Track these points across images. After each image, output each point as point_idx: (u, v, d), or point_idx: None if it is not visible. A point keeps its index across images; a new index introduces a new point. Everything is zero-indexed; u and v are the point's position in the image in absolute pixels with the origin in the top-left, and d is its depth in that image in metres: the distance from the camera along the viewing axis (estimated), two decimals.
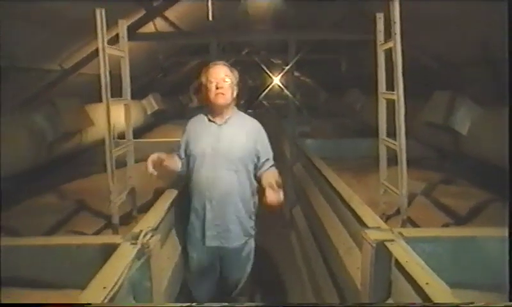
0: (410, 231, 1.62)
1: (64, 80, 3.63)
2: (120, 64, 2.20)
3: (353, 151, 3.84)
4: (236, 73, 2.07)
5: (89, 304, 1.17)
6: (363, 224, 1.72)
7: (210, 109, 2.05)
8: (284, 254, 3.57)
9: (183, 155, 2.13)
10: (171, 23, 4.51)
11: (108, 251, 1.54)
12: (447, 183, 2.89)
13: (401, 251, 1.45)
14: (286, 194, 4.33)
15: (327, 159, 3.25)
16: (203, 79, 2.02)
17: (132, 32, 3.66)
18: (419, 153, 3.58)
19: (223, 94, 1.96)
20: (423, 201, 2.46)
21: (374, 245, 1.50)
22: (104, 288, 1.20)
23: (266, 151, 2.09)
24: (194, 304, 1.84)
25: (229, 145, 2.00)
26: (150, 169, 1.91)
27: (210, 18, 3.34)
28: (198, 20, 5.11)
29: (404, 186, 1.84)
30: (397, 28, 1.73)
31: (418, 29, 3.23)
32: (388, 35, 1.84)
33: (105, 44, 1.77)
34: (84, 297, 1.21)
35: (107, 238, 1.66)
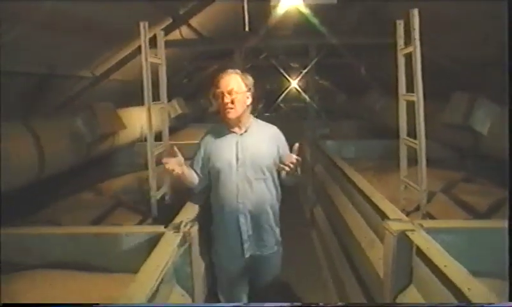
0: (429, 223, 1.75)
1: (95, 86, 3.89)
2: (145, 70, 2.34)
3: (373, 152, 3.95)
4: (249, 79, 2.00)
5: (97, 304, 1.18)
6: (385, 217, 1.85)
7: (226, 120, 1.98)
8: (305, 252, 3.70)
9: (200, 172, 2.07)
10: (195, 30, 4.74)
11: (152, 239, 1.73)
12: (466, 181, 2.98)
13: (422, 240, 1.58)
14: (307, 194, 4.49)
15: (347, 160, 3.38)
16: (215, 90, 1.96)
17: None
18: (440, 154, 3.67)
19: (231, 108, 1.91)
20: (442, 198, 2.56)
21: (396, 234, 1.64)
22: (157, 266, 1.38)
23: (287, 152, 2.04)
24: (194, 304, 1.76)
25: (254, 154, 1.96)
26: (167, 160, 1.86)
27: (247, 29, 3.50)
28: (219, 27, 5.34)
29: (423, 182, 1.97)
30: (416, 34, 1.87)
31: (438, 31, 3.34)
32: (408, 40, 1.97)
33: (148, 54, 1.96)
34: (139, 277, 1.39)
35: (153, 227, 1.84)
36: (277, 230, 2.09)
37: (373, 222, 2.16)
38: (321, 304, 2.42)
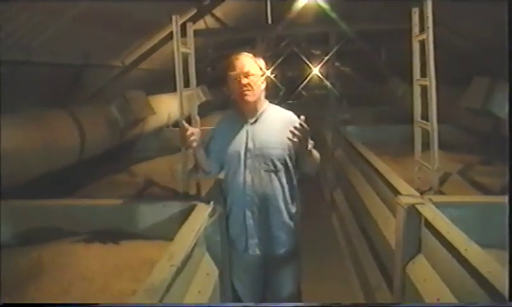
0: (438, 198, 1.91)
1: (125, 75, 4.16)
2: (177, 60, 2.54)
3: (392, 137, 4.06)
4: (262, 62, 1.92)
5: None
6: (398, 194, 2.02)
7: (238, 106, 1.92)
8: (325, 231, 3.88)
9: (214, 156, 1.99)
10: (218, 20, 4.94)
11: (185, 211, 1.97)
12: (484, 164, 3.08)
13: (429, 212, 1.74)
14: (327, 177, 4.66)
15: (367, 144, 3.52)
16: (228, 73, 1.87)
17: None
18: (459, 138, 3.76)
19: (248, 91, 1.82)
20: (457, 179, 2.69)
21: (406, 207, 1.81)
22: (192, 230, 1.61)
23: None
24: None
25: (264, 143, 1.85)
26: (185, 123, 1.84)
27: (270, 21, 3.66)
28: (242, 16, 5.52)
29: (435, 161, 2.11)
30: (429, 22, 1.99)
31: (460, 15, 3.40)
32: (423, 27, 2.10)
33: (180, 44, 2.16)
34: (175, 242, 1.62)
35: (186, 200, 2.07)
36: (293, 226, 1.95)
37: (389, 201, 2.32)
38: (327, 303, 2.31)
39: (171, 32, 2.97)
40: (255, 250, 1.91)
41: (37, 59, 2.66)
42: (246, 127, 1.89)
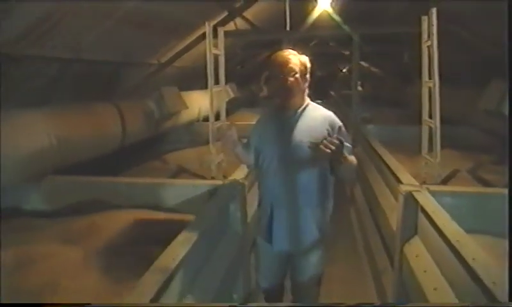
0: (435, 187, 2.16)
1: (160, 72, 4.58)
2: (209, 60, 2.88)
3: (411, 137, 4.25)
4: (306, 59, 1.88)
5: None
6: (401, 183, 2.28)
7: (279, 102, 1.92)
8: (343, 224, 4.14)
9: (252, 153, 2.02)
10: (248, 21, 5.28)
11: (212, 190, 2.32)
12: (495, 163, 3.26)
13: (424, 198, 2.00)
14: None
15: (385, 143, 3.75)
16: (270, 70, 1.88)
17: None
18: (475, 138, 3.93)
19: (290, 89, 1.81)
20: (464, 175, 2.90)
21: (404, 194, 2.07)
22: (216, 206, 1.95)
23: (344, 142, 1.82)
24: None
25: (301, 140, 1.82)
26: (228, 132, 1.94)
27: (288, 28, 3.96)
28: (270, 18, 5.84)
29: (438, 156, 2.36)
30: (434, 30, 2.24)
31: (480, 18, 3.56)
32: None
33: (212, 46, 2.51)
34: (201, 214, 1.96)
35: (214, 181, 2.41)
36: (324, 224, 1.93)
37: (394, 191, 2.58)
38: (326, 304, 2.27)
39: (203, 33, 3.32)
40: (280, 245, 1.90)
41: (86, 57, 3.10)
42: (286, 122, 1.88)
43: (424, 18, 2.47)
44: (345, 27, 4.07)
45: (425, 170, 2.58)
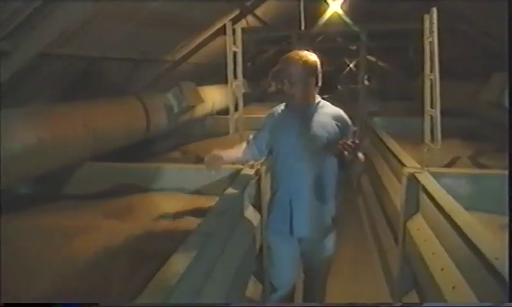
0: (435, 169, 2.41)
1: (175, 68, 4.86)
2: (229, 57, 3.15)
3: (417, 127, 4.48)
4: (317, 59, 2.00)
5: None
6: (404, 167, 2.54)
7: (292, 99, 2.02)
8: (350, 211, 4.41)
9: (262, 144, 2.15)
10: (258, 19, 5.55)
11: (233, 174, 2.60)
12: (496, 151, 3.50)
13: (425, 179, 2.26)
14: (355, 165, 5.16)
15: (392, 133, 3.99)
16: (280, 71, 1.98)
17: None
18: (479, 128, 4.17)
19: (300, 90, 1.94)
20: (465, 161, 3.15)
21: (407, 175, 2.34)
22: (238, 188, 2.23)
23: (349, 136, 1.99)
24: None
25: (314, 133, 1.95)
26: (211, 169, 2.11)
27: (303, 27, 4.21)
28: (279, 15, 6.10)
29: (438, 143, 2.61)
30: (434, 27, 2.50)
31: (483, 15, 3.78)
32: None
33: (232, 44, 2.78)
34: (225, 196, 2.23)
35: (234, 166, 2.69)
36: (334, 213, 2.08)
37: (398, 174, 2.84)
38: (327, 304, 2.33)
39: (216, 31, 3.56)
40: (299, 233, 2.02)
41: (110, 55, 3.38)
42: (298, 118, 1.99)
43: (426, 17, 2.72)
44: (355, 28, 4.31)
45: (428, 156, 2.84)
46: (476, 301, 1.55)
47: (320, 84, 2.01)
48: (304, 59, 1.94)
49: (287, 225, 2.02)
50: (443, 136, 2.91)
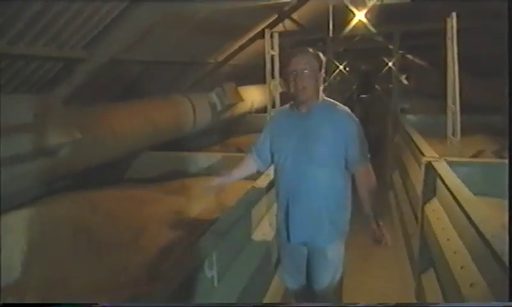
0: (451, 158, 2.70)
1: (217, 70, 5.35)
2: (268, 60, 3.57)
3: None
4: (321, 57, 1.92)
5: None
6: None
7: (293, 100, 1.98)
8: (381, 204, 4.69)
9: (264, 152, 2.10)
10: (295, 22, 5.93)
11: None
12: None
13: (441, 166, 2.57)
14: (387, 161, 5.42)
15: (422, 130, 4.23)
16: (283, 69, 1.95)
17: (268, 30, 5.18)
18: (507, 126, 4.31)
19: (303, 87, 1.85)
20: (488, 154, 3.38)
21: (425, 163, 2.65)
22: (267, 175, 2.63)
23: (355, 143, 1.91)
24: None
25: (315, 136, 1.89)
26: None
27: (331, 34, 4.56)
28: (314, 17, 6.44)
29: (458, 135, 2.89)
30: (454, 29, 2.80)
31: None
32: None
33: (270, 49, 3.20)
34: (259, 181, 2.63)
35: None
36: (342, 220, 2.00)
37: (420, 164, 3.13)
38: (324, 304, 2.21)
39: (255, 35, 3.96)
40: (296, 239, 1.98)
41: (163, 58, 3.90)
42: (299, 120, 1.93)
43: (448, 20, 3.01)
44: (379, 38, 4.59)
45: (452, 148, 3.11)
46: (481, 278, 1.73)
47: (322, 81, 1.95)
48: (299, 56, 1.88)
49: (285, 230, 2.00)
50: (472, 131, 3.18)
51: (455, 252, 2.05)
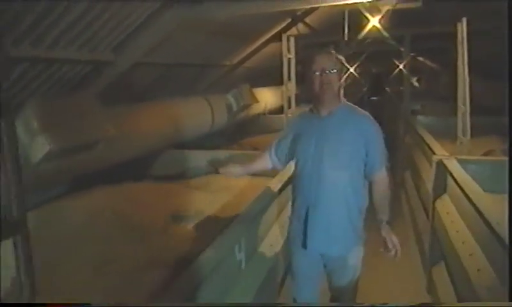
0: (461, 156, 2.84)
1: (232, 72, 5.54)
2: (285, 64, 3.77)
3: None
4: (340, 58, 1.95)
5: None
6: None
7: (314, 101, 1.93)
8: (392, 204, 4.82)
9: (283, 150, 2.10)
10: (308, 25, 6.10)
11: None
12: None
13: (451, 164, 2.71)
14: (399, 161, 5.55)
15: (433, 131, 4.35)
16: (307, 69, 1.86)
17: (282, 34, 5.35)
18: None
19: (329, 85, 1.81)
20: (497, 153, 3.51)
21: (436, 161, 2.79)
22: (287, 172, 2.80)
23: (376, 149, 1.90)
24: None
25: (335, 141, 1.86)
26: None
27: (346, 38, 4.72)
28: (328, 21, 6.60)
29: (468, 134, 3.03)
30: (464, 33, 2.94)
31: None
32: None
33: (288, 53, 3.37)
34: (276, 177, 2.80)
35: None
36: (358, 228, 1.95)
37: (431, 162, 3.27)
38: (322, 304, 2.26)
39: (269, 38, 4.14)
40: (315, 247, 1.93)
41: (182, 61, 4.09)
42: (319, 123, 1.90)
43: (459, 25, 3.15)
44: (392, 42, 4.74)
45: (462, 148, 3.25)
46: (487, 264, 1.88)
47: (341, 83, 1.95)
48: (319, 57, 1.85)
49: (301, 238, 1.94)
50: (483, 132, 3.32)
51: (463, 242, 2.20)
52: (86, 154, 2.23)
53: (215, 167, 2.26)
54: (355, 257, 1.97)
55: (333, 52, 1.91)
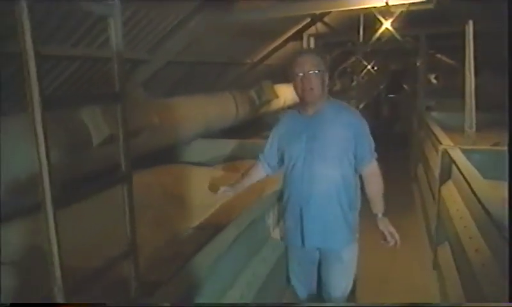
0: (465, 146, 3.14)
1: (253, 69, 5.90)
2: None
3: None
4: (325, 58, 2.00)
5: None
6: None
7: (300, 101, 2.01)
8: (405, 196, 5.12)
9: (272, 157, 2.15)
10: (326, 25, 6.41)
11: None
12: None
13: (455, 153, 3.02)
14: (412, 155, 5.82)
15: (445, 126, 4.60)
16: (290, 71, 1.94)
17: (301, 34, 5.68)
18: None
19: (311, 89, 1.88)
20: (503, 145, 3.78)
21: (442, 150, 3.11)
22: None
23: (364, 141, 1.97)
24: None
25: (324, 137, 1.92)
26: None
27: (361, 39, 5.02)
28: (345, 19, 6.89)
29: (473, 128, 3.32)
30: (471, 34, 3.23)
31: None
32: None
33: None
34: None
35: None
36: (354, 220, 2.03)
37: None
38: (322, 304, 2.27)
39: (289, 37, 4.45)
40: (311, 243, 1.99)
41: (207, 59, 4.46)
42: (306, 122, 1.96)
43: (468, 25, 3.44)
44: (407, 45, 5.01)
45: (466, 139, 3.55)
46: (485, 245, 2.07)
47: (327, 82, 1.98)
48: (303, 57, 1.94)
49: (298, 235, 2.00)
50: (492, 126, 3.61)
51: (465, 227, 2.49)
52: (134, 139, 2.62)
53: (214, 191, 2.33)
54: (350, 253, 2.05)
55: (316, 50, 2.15)
